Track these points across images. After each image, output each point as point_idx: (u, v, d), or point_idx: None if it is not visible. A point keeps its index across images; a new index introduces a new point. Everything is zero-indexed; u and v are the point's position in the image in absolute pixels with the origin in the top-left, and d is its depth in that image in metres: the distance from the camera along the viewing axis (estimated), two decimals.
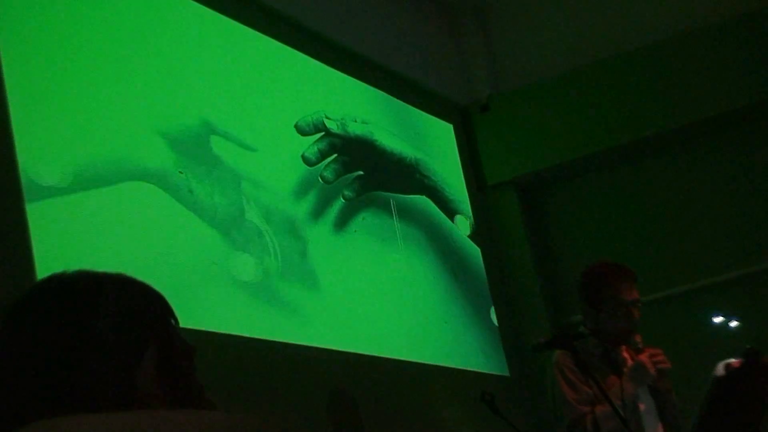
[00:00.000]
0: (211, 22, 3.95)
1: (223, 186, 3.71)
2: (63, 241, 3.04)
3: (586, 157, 5.42)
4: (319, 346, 3.89)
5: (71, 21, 3.33)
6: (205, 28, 3.91)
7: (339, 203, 4.37)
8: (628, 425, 2.98)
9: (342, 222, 4.35)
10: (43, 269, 2.94)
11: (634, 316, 3.27)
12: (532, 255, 5.45)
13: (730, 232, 5.22)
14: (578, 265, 3.61)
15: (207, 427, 0.87)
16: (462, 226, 5.26)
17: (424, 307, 4.68)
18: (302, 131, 4.30)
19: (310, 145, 4.31)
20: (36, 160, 3.05)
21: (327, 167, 4.37)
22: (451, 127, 5.55)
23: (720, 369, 2.92)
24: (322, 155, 4.36)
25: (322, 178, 4.32)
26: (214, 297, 3.51)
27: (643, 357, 3.21)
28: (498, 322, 5.23)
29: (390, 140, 4.87)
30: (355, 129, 4.64)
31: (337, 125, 4.50)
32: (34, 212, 2.99)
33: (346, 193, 4.45)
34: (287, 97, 4.26)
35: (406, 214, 4.80)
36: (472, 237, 5.29)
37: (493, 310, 5.21)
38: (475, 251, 5.30)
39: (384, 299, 4.40)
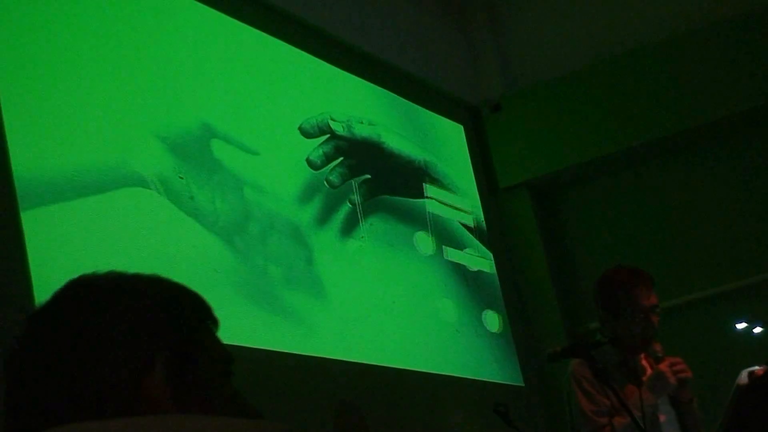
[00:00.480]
0: (210, 21, 3.96)
1: (225, 191, 3.72)
2: (59, 249, 3.04)
3: (603, 158, 5.38)
4: (325, 356, 3.89)
5: (66, 23, 3.34)
6: (205, 27, 3.93)
7: (345, 208, 4.35)
8: None
9: (349, 228, 4.34)
10: (38, 278, 2.95)
11: (653, 322, 3.24)
12: (546, 260, 5.42)
13: (752, 234, 5.18)
14: (594, 270, 3.58)
15: None
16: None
17: (435, 315, 4.68)
18: (306, 134, 4.28)
19: (314, 148, 4.29)
20: (31, 166, 3.06)
21: (332, 171, 4.34)
22: (461, 127, 5.53)
23: (743, 377, 2.94)
24: (328, 158, 4.34)
25: (327, 183, 4.30)
26: (216, 306, 3.41)
27: (664, 366, 3.19)
28: (512, 329, 5.22)
29: (398, 142, 4.85)
30: (362, 131, 4.62)
31: (342, 127, 4.48)
32: (30, 220, 2.99)
33: (353, 197, 4.39)
34: (290, 99, 4.26)
35: (415, 219, 4.72)
36: (484, 242, 5.22)
37: (485, 314, 5.09)
38: (487, 256, 5.22)
39: (393, 307, 4.40)
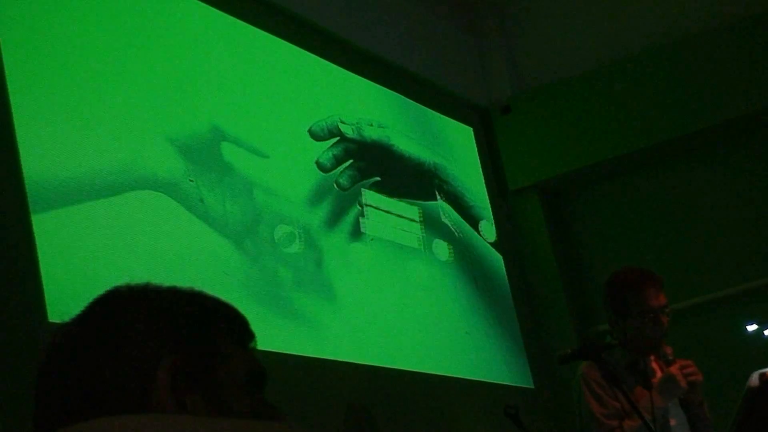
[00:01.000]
0: (220, 24, 3.95)
1: (235, 194, 3.71)
2: (69, 252, 3.04)
3: (614, 159, 5.34)
4: (335, 359, 3.87)
5: (76, 26, 3.33)
6: (214, 29, 3.92)
7: (355, 211, 4.30)
8: None
9: (359, 230, 4.29)
10: (49, 282, 2.95)
11: (662, 323, 3.24)
12: (556, 262, 5.40)
13: (763, 236, 5.14)
14: (605, 272, 3.57)
15: None
16: (487, 233, 5.20)
17: (445, 317, 4.66)
18: (316, 136, 4.26)
19: (324, 150, 4.28)
20: (41, 169, 3.05)
21: (342, 173, 4.33)
22: (470, 129, 5.50)
23: (754, 379, 2.94)
24: (337, 161, 4.33)
25: (337, 185, 4.28)
26: None
27: (674, 369, 3.18)
28: (522, 331, 5.20)
29: (407, 144, 4.83)
30: (371, 133, 4.60)
31: (352, 130, 4.47)
32: (41, 223, 2.98)
33: (362, 200, 4.40)
34: (300, 101, 4.25)
35: (425, 222, 4.73)
36: (494, 244, 5.23)
37: (495, 316, 5.08)
38: (497, 259, 5.24)
39: (403, 310, 4.38)
